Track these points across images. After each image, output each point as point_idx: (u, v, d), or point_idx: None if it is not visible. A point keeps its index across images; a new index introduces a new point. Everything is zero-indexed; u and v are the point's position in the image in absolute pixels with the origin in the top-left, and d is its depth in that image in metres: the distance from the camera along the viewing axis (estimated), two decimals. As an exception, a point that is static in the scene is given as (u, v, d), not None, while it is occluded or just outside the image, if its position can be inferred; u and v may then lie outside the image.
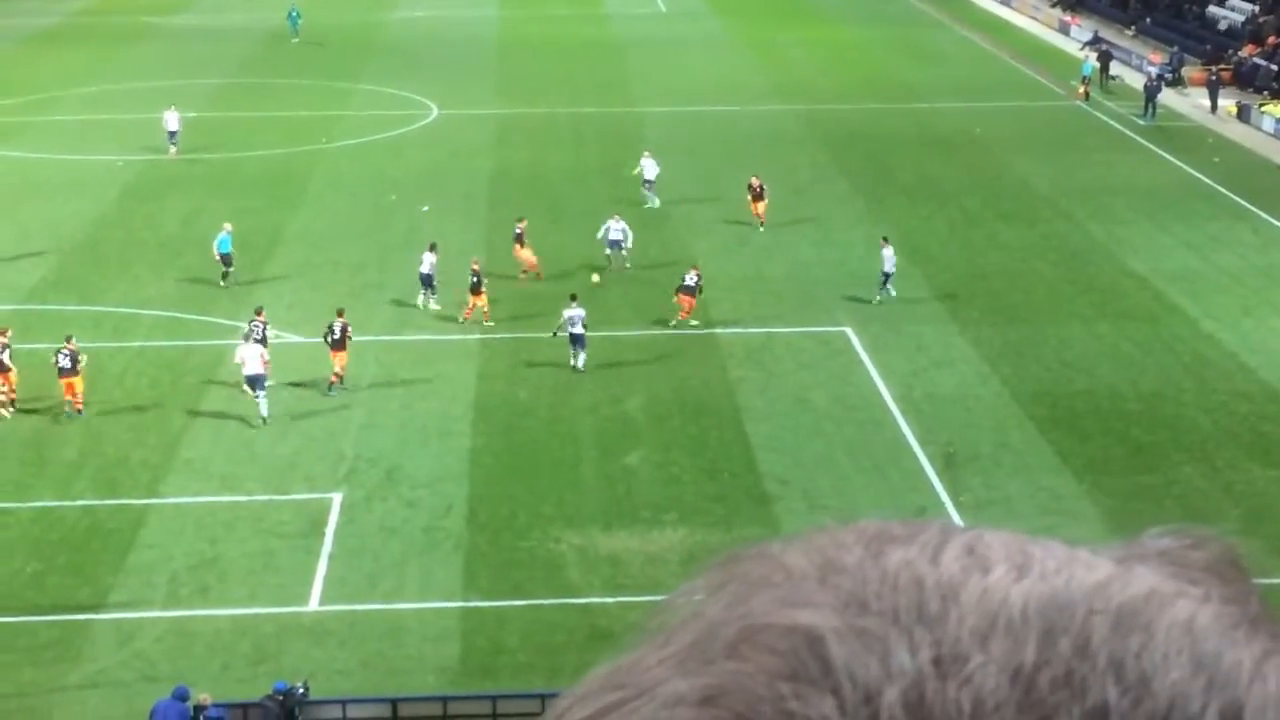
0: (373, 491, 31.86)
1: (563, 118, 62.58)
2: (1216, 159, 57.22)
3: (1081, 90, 66.96)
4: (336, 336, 36.05)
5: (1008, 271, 44.28)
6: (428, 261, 40.90)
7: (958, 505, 31.09)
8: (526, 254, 43.35)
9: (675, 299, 40.04)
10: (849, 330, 39.94)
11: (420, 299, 40.89)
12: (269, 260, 44.92)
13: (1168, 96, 65.90)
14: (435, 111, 63.83)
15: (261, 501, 31.40)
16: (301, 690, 24.18)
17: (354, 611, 27.70)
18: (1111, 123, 63.30)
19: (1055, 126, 61.82)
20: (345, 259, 44.85)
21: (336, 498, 31.55)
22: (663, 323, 40.11)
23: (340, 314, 36.67)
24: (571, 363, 37.24)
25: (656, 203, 49.34)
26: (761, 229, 47.03)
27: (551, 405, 35.72)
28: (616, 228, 44.08)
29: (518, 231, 43.61)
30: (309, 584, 28.47)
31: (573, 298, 37.75)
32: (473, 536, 30.08)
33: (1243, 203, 51.49)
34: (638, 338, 39.49)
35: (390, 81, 68.70)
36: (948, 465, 32.86)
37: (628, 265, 43.63)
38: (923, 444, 33.79)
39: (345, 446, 33.73)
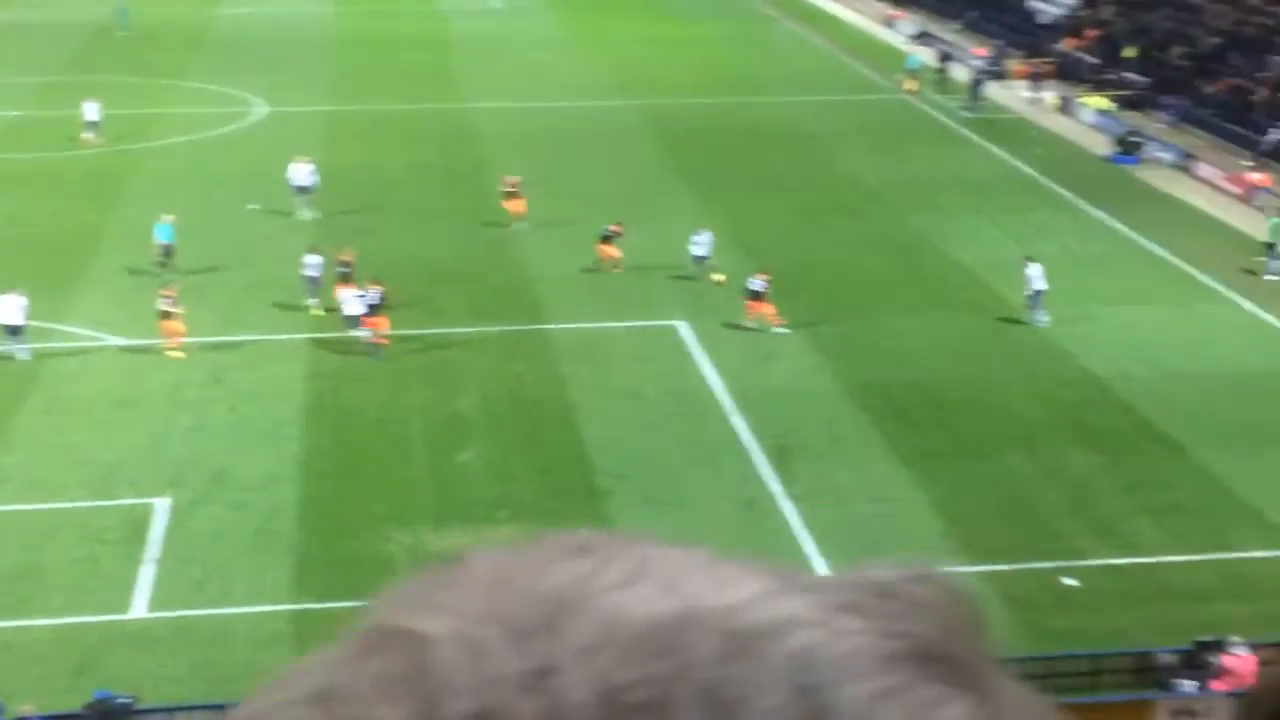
0: (200, 495, 31.41)
1: (397, 115, 62.12)
2: (1039, 150, 58.26)
3: (908, 85, 67.81)
4: (376, 302, 37.56)
5: (838, 264, 44.71)
6: (313, 264, 40.33)
7: (789, 496, 31.34)
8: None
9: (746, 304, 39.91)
10: (681, 324, 40.09)
11: (312, 302, 40.13)
12: (92, 261, 44.09)
13: (992, 90, 66.96)
14: (265, 108, 63.07)
15: (85, 507, 30.82)
16: (127, 700, 23.76)
17: (182, 617, 27.31)
18: (938, 116, 64.18)
19: (883, 120, 62.55)
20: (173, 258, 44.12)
21: (163, 502, 31.05)
22: (497, 319, 40.01)
23: (376, 281, 38.21)
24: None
25: (308, 216, 48.18)
26: (512, 227, 46.72)
27: (382, 404, 35.47)
28: (702, 240, 43.26)
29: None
30: (135, 590, 28.00)
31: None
32: (303, 538, 29.78)
33: (1064, 193, 52.48)
34: (469, 335, 39.33)
35: (219, 78, 67.74)
36: (780, 457, 33.12)
37: (713, 277, 42.53)
38: (756, 436, 34.02)
39: (172, 450, 33.22)
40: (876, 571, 0.77)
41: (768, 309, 39.37)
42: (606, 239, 43.76)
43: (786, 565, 0.79)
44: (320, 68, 70.95)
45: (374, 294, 37.84)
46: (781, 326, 39.25)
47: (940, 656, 0.72)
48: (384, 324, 37.79)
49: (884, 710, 0.68)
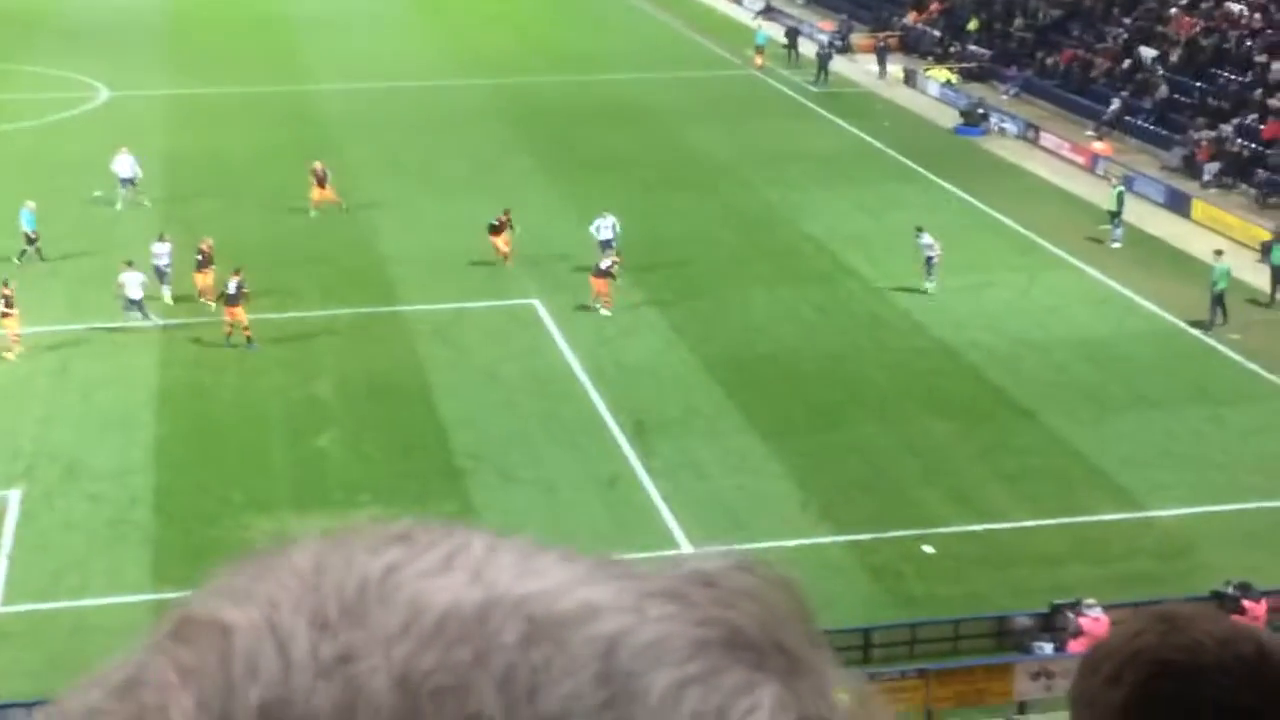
0: (53, 487, 30.88)
1: (239, 97, 61.31)
2: (886, 123, 58.91)
3: (757, 60, 68.19)
4: (232, 292, 36.42)
5: (690, 239, 44.89)
6: (162, 252, 39.50)
7: (649, 471, 31.47)
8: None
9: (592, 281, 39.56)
10: (537, 303, 40.07)
11: (165, 291, 39.25)
12: (-68, 251, 43.10)
13: (838, 63, 67.52)
14: (105, 93, 61.96)
15: (-66, 503, 30.20)
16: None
17: (38, 611, 26.85)
18: (785, 90, 64.61)
19: (732, 95, 62.84)
20: (12, 247, 43.23)
21: (14, 495, 30.50)
22: (350, 302, 39.74)
23: (237, 272, 37.03)
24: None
25: (124, 204, 47.25)
26: (313, 214, 45.88)
27: (237, 390, 35.09)
28: (606, 225, 42.24)
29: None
30: (-11, 585, 27.50)
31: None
32: (161, 528, 29.39)
33: (912, 165, 53.10)
34: (323, 318, 39.01)
35: (57, 62, 66.39)
36: (638, 433, 33.24)
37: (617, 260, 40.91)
38: (613, 413, 34.11)
39: (22, 441, 32.61)
40: (698, 560, 0.78)
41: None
42: (496, 229, 42.50)
43: (612, 555, 0.79)
44: (161, 51, 69.80)
45: (234, 283, 37.00)
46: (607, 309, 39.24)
47: (753, 644, 0.72)
48: (241, 315, 36.90)
49: (689, 696, 0.68)
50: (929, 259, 40.78)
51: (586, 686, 0.67)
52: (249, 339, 36.68)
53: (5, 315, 36.66)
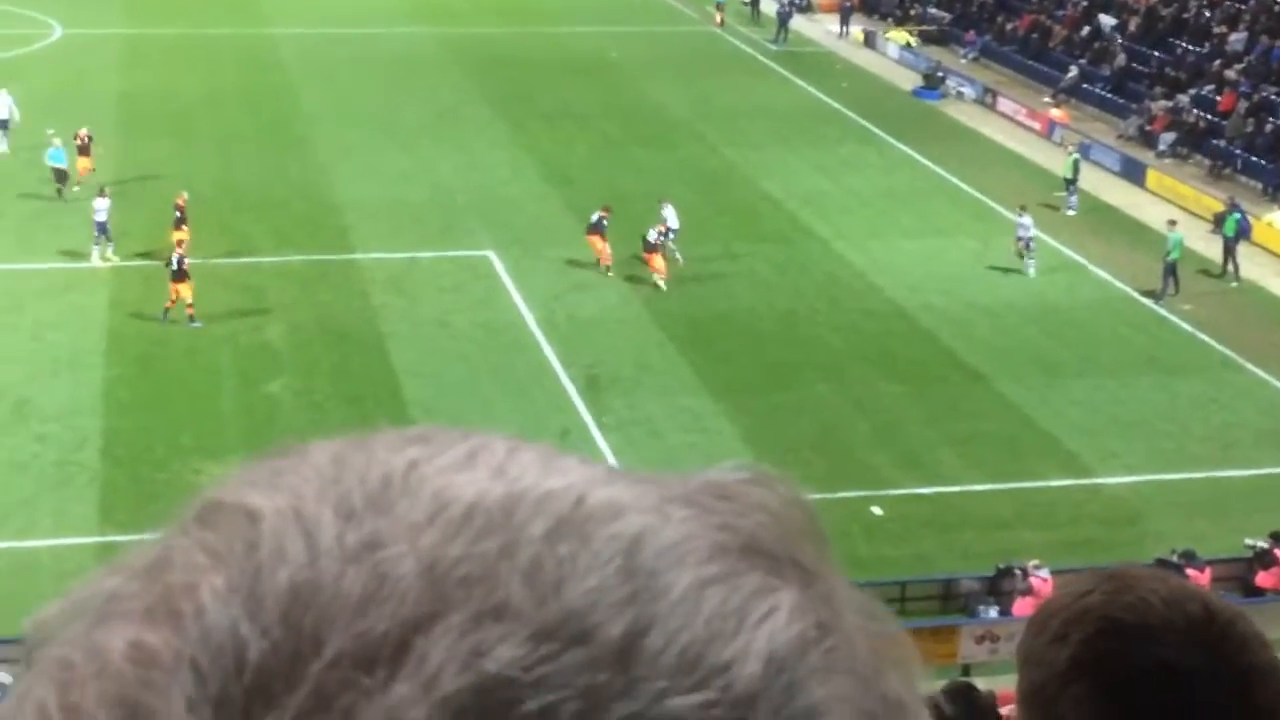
0: (1, 426, 30.68)
1: (195, 39, 60.79)
2: (845, 84, 58.88)
3: (718, 18, 68.01)
4: (175, 267, 35.03)
5: (647, 195, 44.66)
6: (102, 208, 38.16)
7: (601, 426, 31.47)
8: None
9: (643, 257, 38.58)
10: (491, 254, 39.96)
11: (95, 251, 38.19)
12: (-119, 186, 42.69)
13: (798, 22, 67.41)
14: (58, 30, 61.33)
15: (-121, 440, 29.98)
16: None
17: (-17, 551, 26.71)
18: (744, 48, 64.49)
19: (690, 52, 62.68)
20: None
21: (-39, 434, 30.31)
22: (303, 248, 39.55)
23: (179, 244, 35.85)
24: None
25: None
26: (77, 189, 42.40)
27: (188, 335, 34.87)
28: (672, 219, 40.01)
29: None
30: (-67, 524, 27.33)
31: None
32: (108, 470, 29.24)
33: (869, 126, 53.11)
34: (277, 264, 38.82)
35: (10, -1, 65.70)
36: (590, 388, 33.23)
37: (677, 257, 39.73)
38: (565, 366, 34.09)
39: (-31, 380, 32.40)
40: (712, 473, 0.80)
41: (659, 262, 38.49)
42: (594, 228, 39.32)
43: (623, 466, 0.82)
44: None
45: (176, 256, 35.44)
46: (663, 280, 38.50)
47: (769, 553, 0.74)
48: (186, 291, 35.09)
49: (710, 596, 0.70)
50: (1027, 240, 40.36)
51: (611, 581, 0.69)
52: (191, 316, 35.02)
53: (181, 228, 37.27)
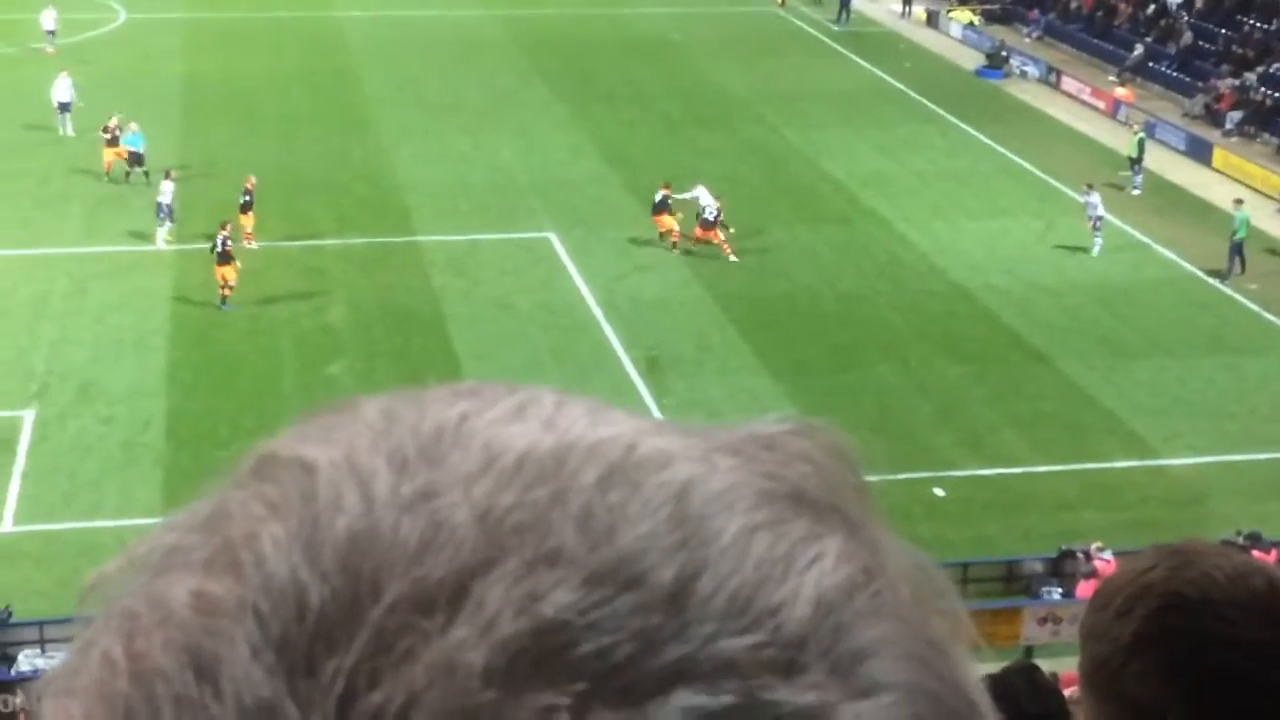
0: (67, 408, 30.96)
1: (257, 22, 61.10)
2: (908, 64, 58.60)
3: (778, -4, 67.88)
4: (220, 250, 34.89)
5: (708, 176, 44.56)
6: (167, 190, 38.50)
7: (661, 408, 31.46)
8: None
9: (695, 232, 38.66)
10: (552, 236, 40.00)
11: (160, 233, 38.40)
12: (-51, 170, 43.14)
13: (860, 2, 67.13)
14: (123, 15, 61.76)
15: (-53, 421, 30.31)
16: (1, 613, 23.52)
17: (49, 531, 26.95)
18: (807, 28, 64.28)
19: (753, 32, 62.53)
20: (31, 169, 43.24)
21: (28, 415, 30.57)
22: (366, 231, 39.72)
23: (224, 226, 35.47)
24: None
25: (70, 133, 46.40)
26: (106, 178, 42.74)
27: (251, 316, 35.08)
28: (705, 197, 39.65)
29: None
30: (0, 504, 27.61)
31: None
32: (172, 451, 29.46)
33: (932, 107, 52.85)
34: (339, 247, 38.99)
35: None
36: (651, 369, 33.23)
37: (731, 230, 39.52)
38: (627, 348, 34.10)
39: (36, 363, 32.69)
40: (757, 424, 0.80)
41: (716, 236, 38.62)
42: (662, 208, 39.20)
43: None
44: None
45: (221, 238, 35.29)
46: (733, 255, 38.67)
47: (814, 500, 0.75)
48: (230, 274, 35.11)
49: (758, 542, 0.71)
50: (1095, 219, 40.06)
51: (661, 527, 0.70)
52: (224, 298, 35.02)
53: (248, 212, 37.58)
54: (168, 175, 39.13)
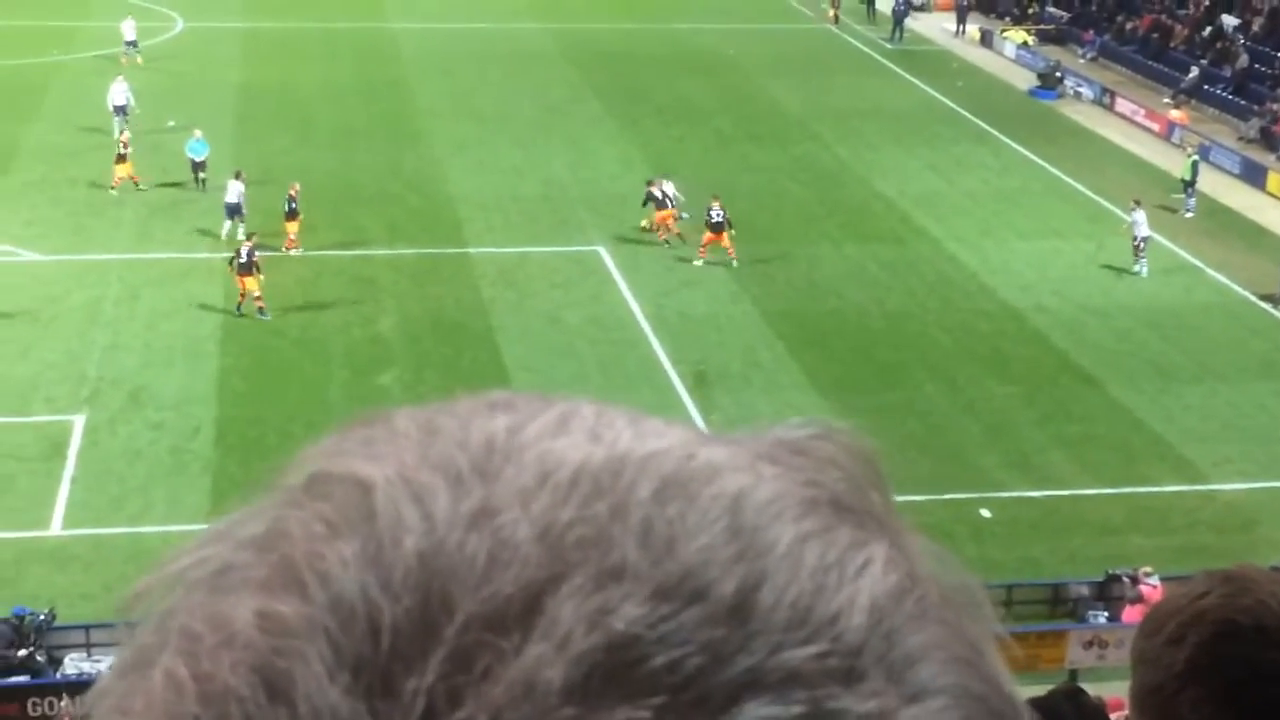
0: (117, 414, 31.15)
1: (313, 32, 61.45)
2: (960, 83, 58.46)
3: (831, 14, 67.78)
4: (244, 260, 34.97)
5: (759, 192, 44.72)
6: (234, 190, 39.01)
7: (708, 423, 31.43)
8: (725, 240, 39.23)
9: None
10: (602, 249, 40.05)
11: (225, 228, 39.00)
12: (5, 176, 43.46)
13: (914, 21, 67.03)
14: (180, 24, 62.19)
15: (0, 424, 30.49)
16: (45, 616, 23.65)
17: (98, 535, 27.12)
18: (860, 46, 64.22)
19: (806, 49, 62.51)
20: (85, 175, 43.53)
21: (79, 420, 30.77)
22: (417, 241, 39.85)
23: (250, 238, 35.78)
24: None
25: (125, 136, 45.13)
26: (114, 191, 42.44)
27: (302, 325, 35.24)
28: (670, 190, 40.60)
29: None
30: (50, 508, 27.79)
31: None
32: (221, 458, 29.60)
33: (985, 126, 52.71)
34: (390, 257, 39.13)
35: (133, -8, 66.62)
36: (699, 384, 33.22)
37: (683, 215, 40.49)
38: (674, 363, 34.10)
39: (88, 368, 32.90)
40: (782, 430, 0.81)
41: (724, 240, 38.74)
42: (718, 228, 38.88)
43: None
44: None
45: (246, 250, 35.34)
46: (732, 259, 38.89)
47: (851, 507, 0.76)
48: (253, 284, 35.08)
49: (810, 551, 0.72)
50: (1141, 239, 39.75)
51: (719, 539, 0.71)
52: (261, 309, 35.15)
53: (294, 219, 38.22)
54: (237, 176, 39.53)
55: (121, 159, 42.40)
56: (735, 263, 38.74)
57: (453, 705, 0.66)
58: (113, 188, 42.16)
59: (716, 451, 0.76)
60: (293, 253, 38.05)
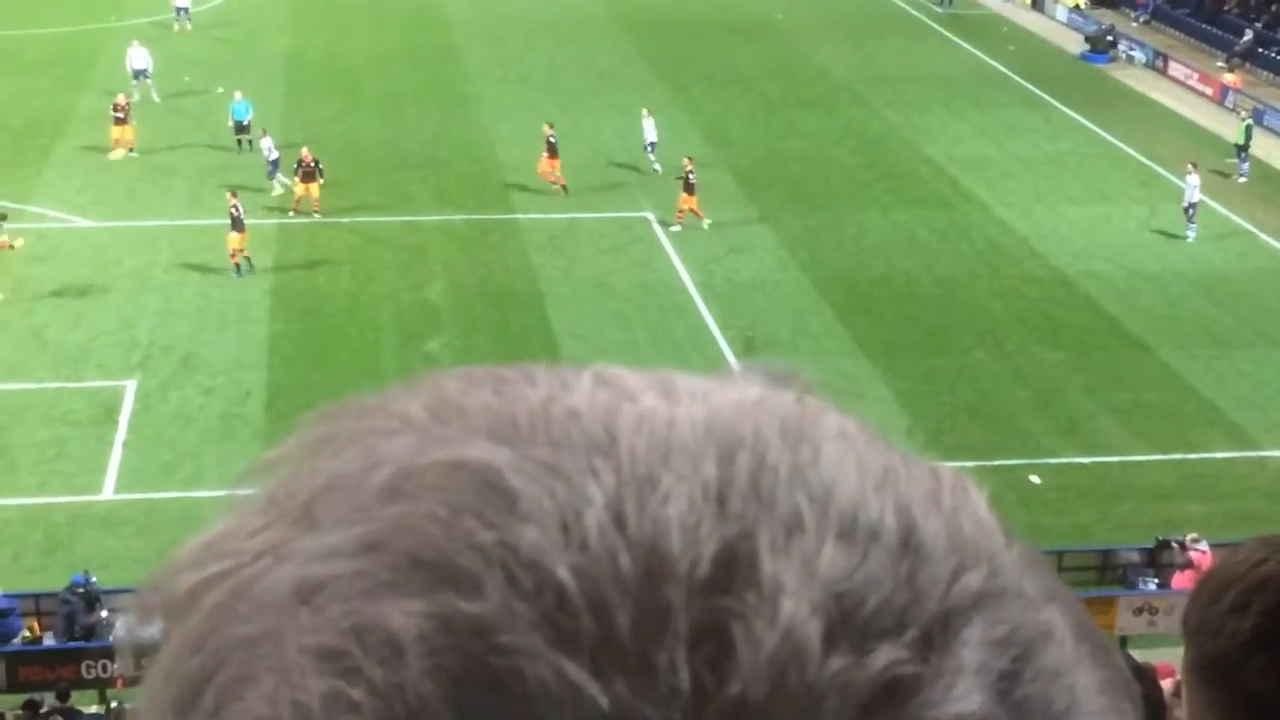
0: (168, 379, 31.34)
1: (361, -1, 61.46)
2: (1011, 47, 58.08)
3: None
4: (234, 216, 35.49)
5: (807, 158, 44.60)
6: (268, 145, 40.09)
7: (757, 389, 31.38)
8: (552, 165, 40.66)
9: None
10: (650, 215, 40.00)
11: (277, 182, 39.81)
12: (57, 142, 43.70)
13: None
14: (229, -10, 62.30)
15: (52, 389, 30.73)
16: (87, 580, 23.85)
17: (150, 500, 27.30)
18: (910, 10, 63.84)
19: (855, 14, 62.17)
20: (136, 141, 43.69)
21: (130, 385, 30.99)
22: (466, 208, 39.89)
23: (234, 194, 36.27)
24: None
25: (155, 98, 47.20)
26: (114, 156, 42.94)
27: (351, 292, 35.36)
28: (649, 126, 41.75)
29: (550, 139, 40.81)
30: (103, 472, 28.01)
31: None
32: (271, 424, 29.71)
33: (1036, 91, 52.37)
34: (439, 223, 39.19)
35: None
36: (747, 350, 33.17)
37: (656, 168, 41.72)
38: (723, 329, 34.08)
39: (139, 333, 33.11)
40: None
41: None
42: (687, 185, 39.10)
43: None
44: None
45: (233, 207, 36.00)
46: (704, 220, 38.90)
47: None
48: (236, 240, 35.64)
49: (915, 482, 0.71)
50: (1191, 204, 39.48)
51: (855, 478, 0.70)
52: (236, 266, 35.61)
53: (311, 181, 38.48)
54: (264, 134, 40.36)
55: (121, 122, 42.53)
56: (707, 223, 38.64)
57: (717, 674, 0.63)
58: (111, 149, 42.37)
59: (786, 395, 0.75)
60: (315, 216, 38.27)
